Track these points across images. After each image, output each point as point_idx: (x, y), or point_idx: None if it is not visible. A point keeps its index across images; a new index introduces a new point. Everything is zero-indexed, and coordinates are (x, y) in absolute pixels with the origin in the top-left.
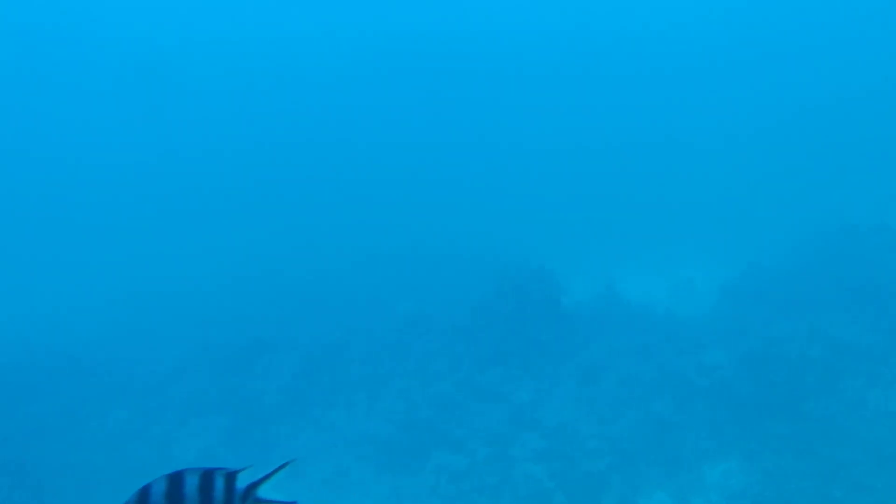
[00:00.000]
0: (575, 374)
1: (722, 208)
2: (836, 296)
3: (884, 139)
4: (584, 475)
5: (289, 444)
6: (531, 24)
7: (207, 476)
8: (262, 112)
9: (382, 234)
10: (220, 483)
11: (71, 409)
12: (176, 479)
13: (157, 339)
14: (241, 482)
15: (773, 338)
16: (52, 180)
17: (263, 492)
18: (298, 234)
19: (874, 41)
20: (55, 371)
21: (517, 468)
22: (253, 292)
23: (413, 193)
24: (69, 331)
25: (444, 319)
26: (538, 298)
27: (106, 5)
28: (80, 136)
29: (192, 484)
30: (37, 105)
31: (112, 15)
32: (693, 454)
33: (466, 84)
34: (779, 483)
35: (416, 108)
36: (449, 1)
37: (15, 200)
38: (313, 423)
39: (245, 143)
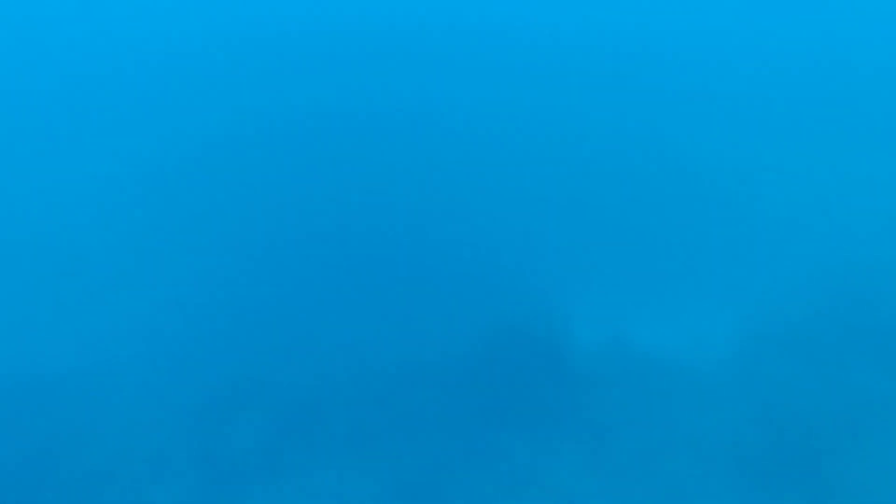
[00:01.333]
0: (578, 432)
1: (736, 252)
2: (857, 343)
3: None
4: None
5: None
6: (537, 48)
7: None
8: (242, 140)
9: (371, 275)
10: None
11: (43, 448)
12: None
13: (131, 381)
14: None
15: (790, 391)
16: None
17: None
18: (280, 276)
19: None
20: (23, 413)
21: None
22: (231, 339)
23: (405, 231)
24: (39, 374)
25: (437, 369)
26: (539, 346)
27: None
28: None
29: None
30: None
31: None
32: None
33: (466, 117)
34: None
35: (413, 141)
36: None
37: None
38: (295, 489)
39: (225, 185)
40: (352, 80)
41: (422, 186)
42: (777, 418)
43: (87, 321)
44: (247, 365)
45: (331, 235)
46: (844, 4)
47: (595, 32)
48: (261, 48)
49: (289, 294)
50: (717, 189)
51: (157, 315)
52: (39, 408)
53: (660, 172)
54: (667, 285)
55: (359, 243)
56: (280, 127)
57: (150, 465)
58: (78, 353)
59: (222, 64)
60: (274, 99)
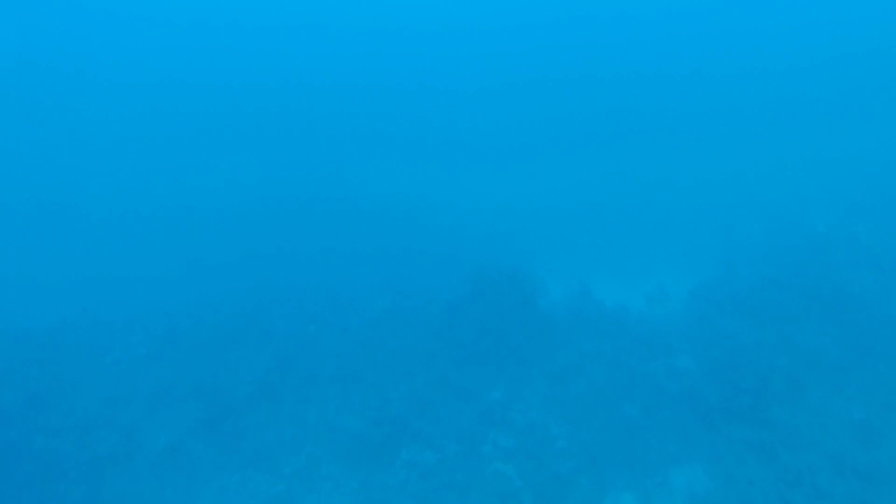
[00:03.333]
0: (547, 374)
1: (697, 216)
2: (805, 306)
3: (854, 152)
4: (552, 475)
5: (260, 436)
6: (520, 23)
7: None
8: (246, 104)
9: (361, 230)
10: None
11: (37, 396)
12: None
13: (124, 326)
14: None
15: (741, 345)
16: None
17: None
18: (275, 226)
19: (851, 52)
20: (20, 356)
21: (487, 466)
22: (224, 281)
23: (393, 191)
24: (33, 316)
25: (420, 317)
26: (514, 298)
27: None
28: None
29: None
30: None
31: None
32: (660, 458)
33: (450, 85)
34: (742, 488)
35: (399, 106)
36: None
37: None
38: (285, 416)
39: (222, 131)
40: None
41: (409, 143)
42: (728, 369)
43: (82, 259)
44: (240, 305)
45: (324, 185)
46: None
47: None
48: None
49: (283, 240)
50: (681, 160)
51: (152, 254)
52: (35, 349)
53: (628, 141)
54: (631, 246)
55: (350, 195)
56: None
57: (147, 399)
58: (74, 293)
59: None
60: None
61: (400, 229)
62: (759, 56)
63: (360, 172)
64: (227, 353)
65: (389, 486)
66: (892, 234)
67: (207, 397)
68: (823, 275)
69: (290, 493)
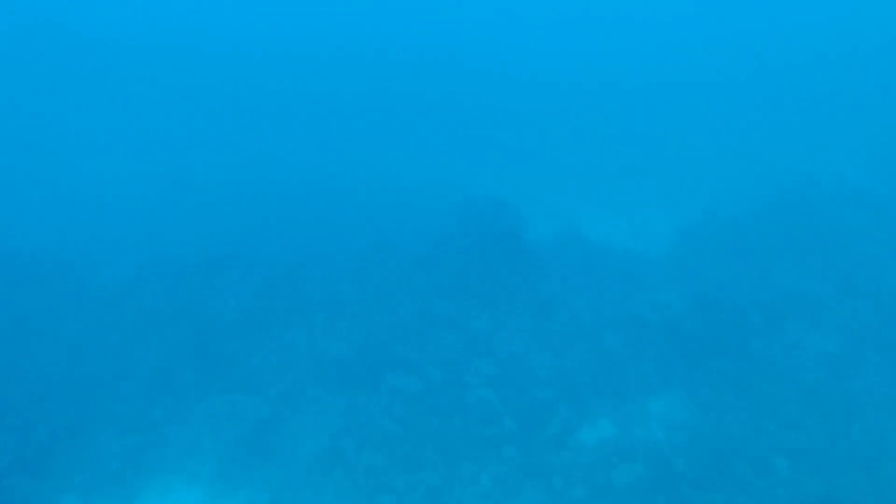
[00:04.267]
0: (531, 306)
1: (685, 154)
2: (788, 244)
3: (844, 94)
4: (533, 402)
5: (246, 360)
6: None
7: None
8: (238, 32)
9: (349, 161)
10: None
11: (24, 319)
12: None
13: (110, 249)
14: None
15: (723, 281)
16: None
17: None
18: (263, 152)
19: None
20: (4, 280)
21: (469, 393)
22: (212, 208)
23: (381, 122)
24: (19, 237)
25: (406, 248)
26: (500, 232)
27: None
28: None
29: None
30: None
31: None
32: (638, 387)
33: (438, 18)
34: (716, 417)
35: (387, 40)
36: None
37: None
38: (271, 342)
39: (217, 57)
40: None
41: (397, 74)
42: (709, 303)
43: (70, 187)
44: (228, 231)
45: (315, 117)
46: None
47: None
48: None
49: (276, 174)
50: (671, 98)
51: (138, 177)
52: (19, 272)
53: (618, 78)
54: (619, 182)
55: (339, 128)
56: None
57: (133, 323)
58: (59, 216)
59: None
60: None
61: (387, 162)
62: None
63: (348, 104)
64: (214, 278)
65: (374, 409)
66: (878, 172)
67: (194, 322)
68: (808, 213)
69: (276, 415)
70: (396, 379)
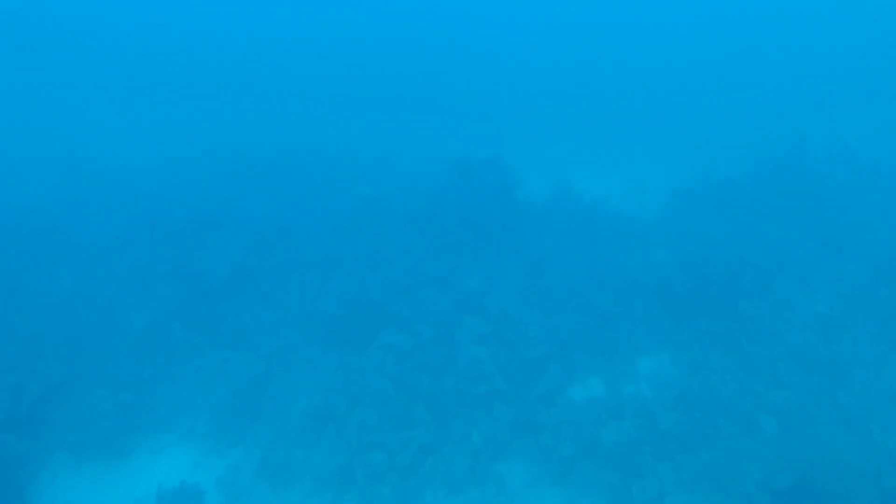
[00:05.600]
0: (523, 264)
1: (677, 114)
2: (780, 202)
3: (837, 54)
4: (524, 360)
5: (238, 318)
6: None
7: None
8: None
9: (342, 120)
10: None
11: (13, 276)
12: None
13: (101, 208)
14: None
15: (714, 240)
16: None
17: None
18: (255, 111)
19: None
20: None
21: (460, 351)
22: (202, 166)
23: (375, 83)
24: (12, 196)
25: (399, 205)
26: (493, 190)
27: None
28: None
29: None
30: None
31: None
32: (628, 346)
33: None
34: (705, 376)
35: (382, 3)
36: None
37: None
38: (263, 300)
39: (209, 24)
40: None
41: (393, 44)
42: (700, 262)
43: (63, 146)
44: (219, 188)
45: (310, 77)
46: None
47: None
48: None
49: (260, 125)
50: (665, 57)
51: (128, 135)
52: (10, 230)
53: (613, 36)
54: (612, 141)
55: (333, 88)
56: None
57: (124, 280)
58: (53, 179)
59: None
60: None
61: (380, 121)
62: None
63: (341, 67)
64: (205, 235)
65: (365, 367)
66: (872, 131)
67: (186, 279)
68: (800, 172)
69: (267, 372)
70: (388, 336)
